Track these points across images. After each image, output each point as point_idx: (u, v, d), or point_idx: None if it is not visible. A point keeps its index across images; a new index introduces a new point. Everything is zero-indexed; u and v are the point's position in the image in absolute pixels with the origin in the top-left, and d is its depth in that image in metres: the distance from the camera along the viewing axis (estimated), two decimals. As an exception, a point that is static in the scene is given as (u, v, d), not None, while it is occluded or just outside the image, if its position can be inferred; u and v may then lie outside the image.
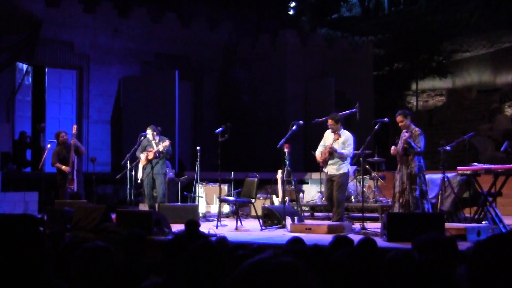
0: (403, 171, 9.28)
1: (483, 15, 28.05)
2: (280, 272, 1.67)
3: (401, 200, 9.25)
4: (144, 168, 12.06)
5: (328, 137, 10.41)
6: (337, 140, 10.17)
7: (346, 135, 10.23)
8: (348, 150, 10.13)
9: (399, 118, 9.42)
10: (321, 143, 10.48)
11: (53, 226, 8.97)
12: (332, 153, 10.13)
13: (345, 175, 10.33)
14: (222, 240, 5.60)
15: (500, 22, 26.71)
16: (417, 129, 9.32)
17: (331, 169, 10.20)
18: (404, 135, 9.26)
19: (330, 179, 10.23)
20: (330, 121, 10.30)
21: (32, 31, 17.46)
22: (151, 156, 11.81)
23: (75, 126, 12.98)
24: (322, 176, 11.04)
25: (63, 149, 12.29)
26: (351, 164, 11.06)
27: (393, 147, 9.44)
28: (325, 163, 10.26)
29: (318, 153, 10.41)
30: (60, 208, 10.18)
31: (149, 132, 12.01)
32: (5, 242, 2.22)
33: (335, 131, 10.21)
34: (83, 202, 11.19)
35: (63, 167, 12.10)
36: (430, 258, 3.41)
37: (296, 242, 4.83)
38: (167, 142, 11.87)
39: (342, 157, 10.12)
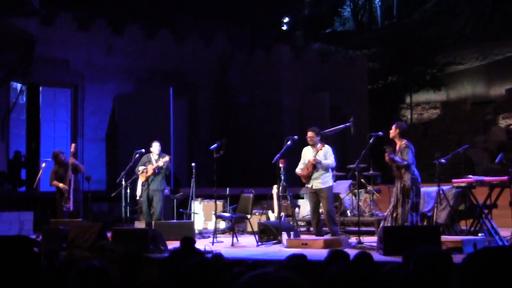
0: (397, 184, 9.27)
1: (476, 28, 28.22)
2: (279, 285, 1.72)
3: (394, 214, 9.23)
4: (143, 185, 12.05)
5: (307, 153, 10.47)
6: (318, 153, 10.22)
7: (326, 147, 10.30)
8: (331, 160, 10.20)
9: (392, 127, 9.45)
10: (301, 161, 10.53)
11: (49, 245, 8.94)
12: (315, 166, 10.17)
13: (331, 189, 10.40)
14: (218, 256, 5.59)
15: (492, 34, 26.88)
16: (404, 141, 9.28)
17: (316, 183, 10.23)
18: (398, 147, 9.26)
19: (316, 193, 10.26)
20: (310, 133, 10.36)
21: (26, 49, 17.49)
22: (150, 172, 11.80)
23: (73, 145, 12.94)
24: (306, 191, 11.06)
25: (60, 168, 12.27)
26: (345, 178, 11.09)
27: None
28: (309, 178, 10.28)
29: (299, 170, 10.44)
30: (55, 227, 10.14)
31: (156, 145, 12.03)
32: (1, 263, 2.22)
33: (314, 144, 10.28)
34: (79, 220, 11.16)
35: (61, 184, 12.07)
36: (425, 272, 3.42)
37: (296, 258, 4.79)
38: (167, 158, 11.87)
39: (326, 168, 10.16)
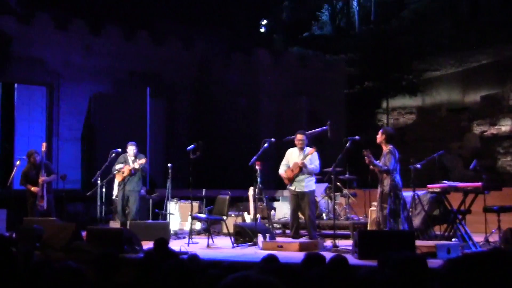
0: (378, 189, 9.32)
1: (452, 36, 28.49)
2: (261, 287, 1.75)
3: (378, 218, 9.26)
4: (119, 185, 12.01)
5: (291, 154, 10.49)
6: (307, 157, 10.25)
7: (314, 152, 10.34)
8: (315, 165, 10.25)
9: (379, 132, 9.50)
10: (284, 162, 10.56)
11: (22, 244, 8.85)
12: (301, 169, 10.20)
13: (313, 193, 10.56)
14: (194, 258, 5.58)
15: (468, 43, 27.15)
16: (389, 147, 9.31)
17: (299, 186, 10.27)
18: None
19: (297, 195, 10.29)
20: (300, 136, 10.39)
21: (2, 48, 17.32)
22: (126, 173, 11.76)
23: (44, 144, 12.80)
24: (288, 193, 11.09)
25: (32, 168, 12.12)
26: (321, 181, 11.14)
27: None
28: (292, 180, 10.31)
29: (282, 171, 10.46)
30: (29, 226, 10.03)
31: (131, 148, 12.00)
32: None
33: (303, 147, 10.32)
34: (53, 219, 11.05)
35: (32, 188, 11.92)
36: (401, 276, 3.45)
37: (270, 260, 4.83)
38: (143, 160, 11.85)
39: (311, 173, 10.22)
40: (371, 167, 9.27)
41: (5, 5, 15.40)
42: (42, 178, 11.93)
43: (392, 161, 9.09)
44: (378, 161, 9.22)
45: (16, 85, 18.58)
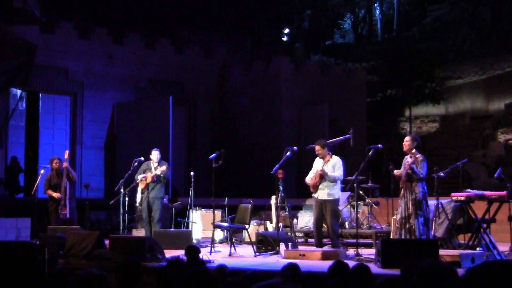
0: (407, 196, 9.21)
1: (474, 43, 28.30)
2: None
3: (407, 226, 9.14)
4: (142, 192, 12.03)
5: (317, 163, 10.47)
6: (326, 164, 10.20)
7: (334, 159, 10.27)
8: (339, 173, 10.16)
9: (407, 139, 9.43)
10: (312, 170, 10.53)
11: (47, 252, 8.89)
12: (323, 177, 10.15)
13: (337, 201, 10.41)
14: (222, 268, 5.57)
15: (491, 50, 26.95)
16: (420, 155, 9.27)
17: (322, 193, 10.21)
18: (408, 160, 9.21)
19: (320, 204, 10.23)
20: (317, 147, 10.38)
21: (26, 57, 17.50)
22: (149, 179, 11.79)
23: (67, 152, 12.90)
24: (313, 201, 11.05)
25: (55, 175, 12.21)
26: (343, 190, 11.08)
27: (396, 170, 9.37)
28: (316, 188, 10.27)
29: (308, 179, 10.44)
30: (53, 234, 10.10)
31: (155, 153, 12.03)
32: (7, 268, 2.20)
33: (324, 156, 10.28)
34: (76, 228, 11.11)
35: (54, 194, 12.01)
36: (428, 285, 3.40)
37: (291, 268, 4.81)
38: (164, 167, 11.86)
39: (333, 180, 10.13)
40: (397, 172, 9.24)
41: (30, 15, 15.54)
42: (66, 163, 12.07)
43: (425, 168, 9.07)
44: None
45: (40, 94, 18.78)
